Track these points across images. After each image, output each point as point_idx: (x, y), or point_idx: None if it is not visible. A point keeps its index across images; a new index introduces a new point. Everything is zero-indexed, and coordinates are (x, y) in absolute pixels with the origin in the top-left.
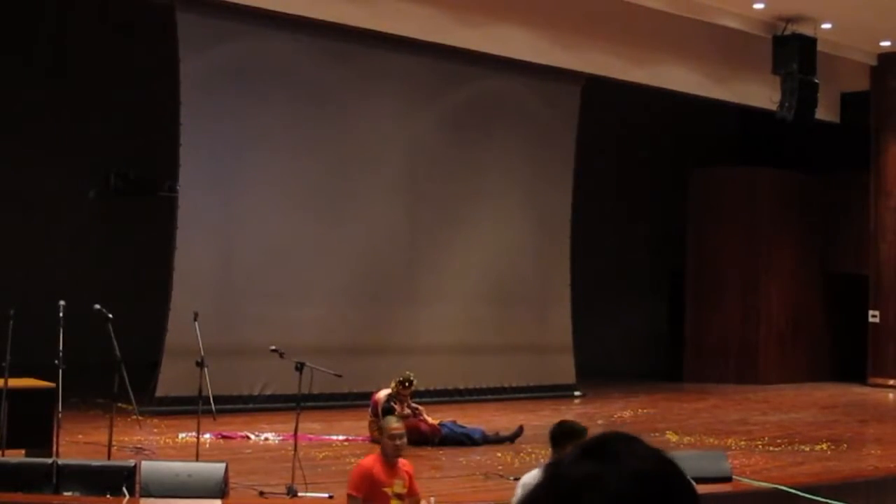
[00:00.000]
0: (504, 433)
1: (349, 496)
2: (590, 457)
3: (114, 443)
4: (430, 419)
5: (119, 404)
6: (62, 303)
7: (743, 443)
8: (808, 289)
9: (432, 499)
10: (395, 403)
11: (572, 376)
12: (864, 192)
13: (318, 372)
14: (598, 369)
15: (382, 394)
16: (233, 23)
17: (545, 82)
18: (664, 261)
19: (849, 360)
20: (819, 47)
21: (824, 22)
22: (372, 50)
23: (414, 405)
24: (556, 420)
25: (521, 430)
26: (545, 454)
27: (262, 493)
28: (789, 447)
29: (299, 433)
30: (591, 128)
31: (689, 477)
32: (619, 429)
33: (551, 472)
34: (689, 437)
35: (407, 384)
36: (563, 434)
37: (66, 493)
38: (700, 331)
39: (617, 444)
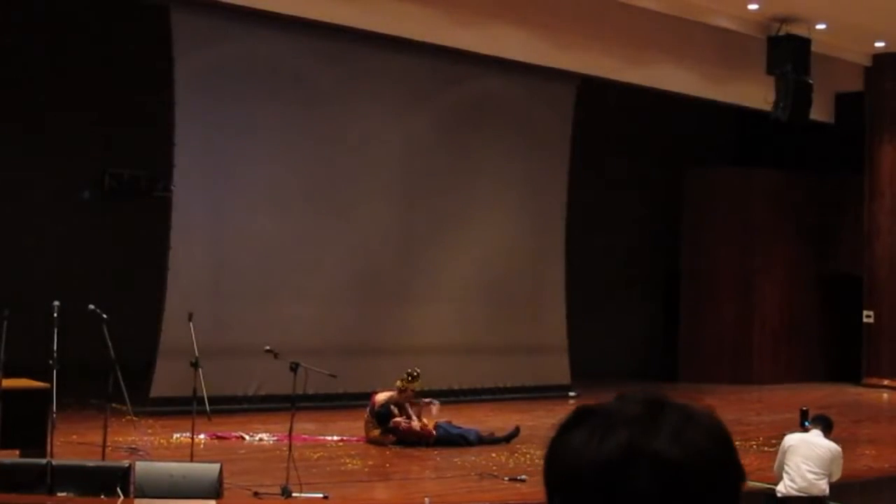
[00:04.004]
0: (500, 434)
1: None
2: (644, 405)
3: (108, 443)
4: (424, 420)
5: (113, 405)
6: (56, 303)
7: (738, 443)
8: (802, 289)
9: (427, 499)
10: (394, 407)
11: (567, 377)
12: (859, 192)
13: (313, 372)
14: (594, 370)
15: (382, 396)
16: (227, 23)
17: (540, 82)
18: (659, 261)
19: (843, 361)
20: (813, 48)
21: (819, 22)
22: (366, 50)
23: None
24: (550, 421)
25: (517, 430)
26: (540, 454)
27: (256, 494)
28: None
29: (294, 433)
30: (586, 128)
31: None
32: None
33: (645, 429)
34: None
35: (411, 378)
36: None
37: (60, 494)
38: (695, 331)
39: (675, 409)
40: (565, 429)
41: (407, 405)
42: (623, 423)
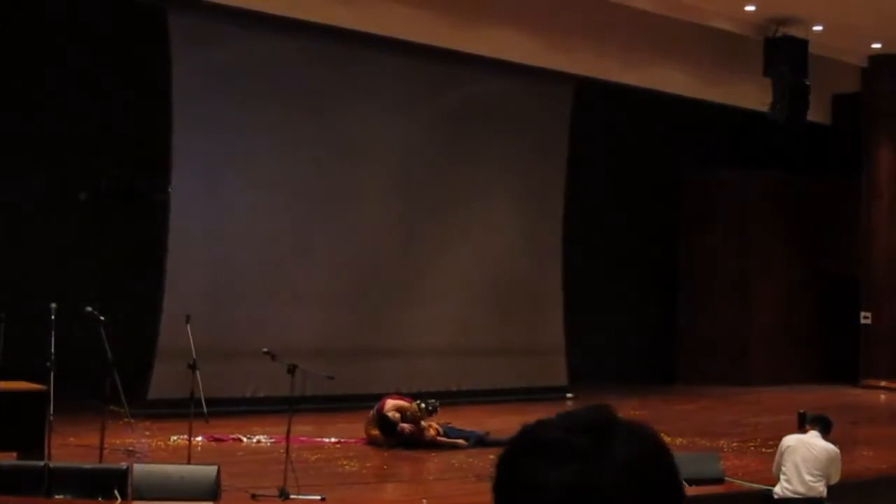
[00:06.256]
0: (504, 438)
1: None
2: (607, 437)
3: (105, 445)
4: (433, 425)
5: (111, 407)
6: (53, 305)
7: (735, 444)
8: (799, 290)
9: (425, 501)
10: (397, 414)
11: (564, 378)
12: (856, 193)
13: (311, 374)
14: (591, 371)
15: (393, 403)
16: (225, 25)
17: (538, 84)
18: (657, 262)
19: (840, 362)
20: (810, 49)
21: (816, 24)
22: (364, 52)
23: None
24: None
25: None
26: None
27: (254, 496)
28: None
29: (291, 435)
30: (584, 130)
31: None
32: None
33: (584, 463)
34: (681, 439)
35: (428, 412)
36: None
37: (57, 496)
38: (692, 332)
39: (614, 420)
40: (517, 455)
41: (420, 422)
42: (573, 457)
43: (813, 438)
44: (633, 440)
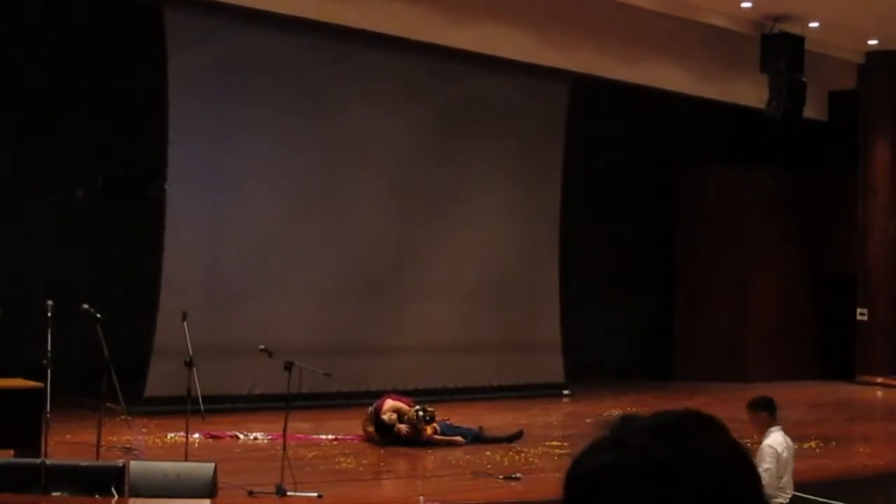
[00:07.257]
0: (501, 434)
1: None
2: (665, 437)
3: (102, 443)
4: (434, 427)
5: (108, 404)
6: (50, 302)
7: None
8: (796, 287)
9: (422, 498)
10: (394, 415)
11: (561, 375)
12: (852, 189)
13: (307, 371)
14: (588, 368)
15: (391, 404)
16: (221, 21)
17: (534, 81)
18: (653, 260)
19: (837, 358)
20: (807, 46)
21: (812, 20)
22: (360, 49)
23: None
24: (544, 419)
25: (520, 433)
26: (534, 453)
27: (251, 493)
28: None
29: (288, 433)
30: (581, 127)
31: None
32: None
33: (620, 453)
34: None
35: (426, 420)
36: (770, 404)
37: (54, 494)
38: (689, 329)
39: (691, 426)
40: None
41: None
42: (616, 448)
43: (785, 437)
44: (686, 450)
